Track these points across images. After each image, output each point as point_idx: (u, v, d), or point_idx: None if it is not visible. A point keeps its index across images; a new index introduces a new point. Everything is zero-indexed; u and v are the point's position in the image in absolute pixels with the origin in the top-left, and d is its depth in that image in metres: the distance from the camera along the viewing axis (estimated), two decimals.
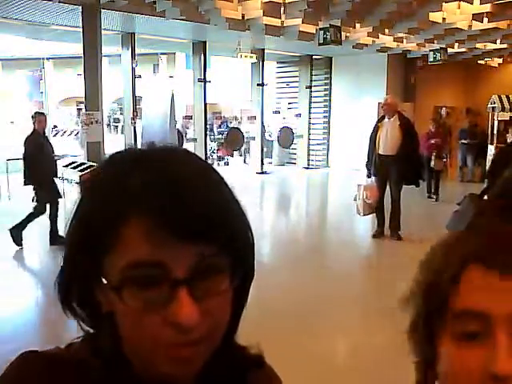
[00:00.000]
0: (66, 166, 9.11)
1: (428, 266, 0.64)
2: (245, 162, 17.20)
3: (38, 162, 6.33)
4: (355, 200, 7.33)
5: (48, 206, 6.60)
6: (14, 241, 6.58)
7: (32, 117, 6.65)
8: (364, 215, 7.23)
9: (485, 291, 0.57)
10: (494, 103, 11.80)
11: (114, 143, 11.02)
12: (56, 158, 7.04)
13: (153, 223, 0.51)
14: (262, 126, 14.43)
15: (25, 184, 6.62)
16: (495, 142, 11.53)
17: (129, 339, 0.56)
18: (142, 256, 0.51)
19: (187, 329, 0.52)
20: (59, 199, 6.72)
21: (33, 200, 6.54)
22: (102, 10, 8.55)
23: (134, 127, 10.89)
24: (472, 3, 7.95)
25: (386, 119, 7.04)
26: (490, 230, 0.65)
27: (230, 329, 0.61)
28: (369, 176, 7.17)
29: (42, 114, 6.98)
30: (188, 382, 0.59)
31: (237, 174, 14.46)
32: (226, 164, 16.78)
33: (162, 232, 0.51)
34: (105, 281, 0.54)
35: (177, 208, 0.51)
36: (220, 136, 15.49)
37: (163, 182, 0.52)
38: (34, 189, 6.52)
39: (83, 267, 0.55)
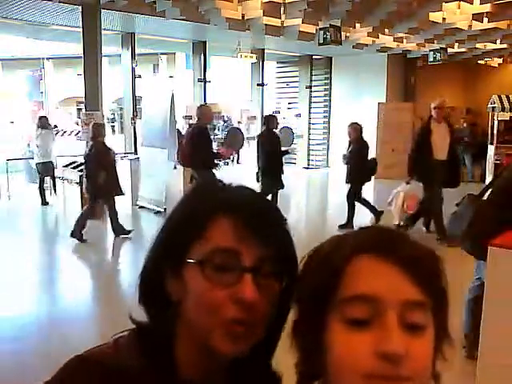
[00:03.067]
0: (66, 165, 9.13)
1: (316, 260, 0.66)
2: (238, 162, 17.15)
3: (274, 156, 7.64)
4: (390, 205, 7.13)
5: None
6: None
7: (265, 117, 8.30)
8: (400, 222, 7.00)
9: (374, 277, 0.60)
10: (494, 103, 11.79)
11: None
12: (284, 152, 8.42)
13: (234, 223, 0.69)
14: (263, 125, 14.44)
15: (264, 175, 7.74)
16: (495, 141, 11.52)
17: (195, 314, 0.70)
18: (224, 244, 0.68)
19: (249, 304, 0.67)
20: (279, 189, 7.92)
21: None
22: (102, 10, 8.54)
23: (134, 127, 10.89)
24: (472, 3, 7.94)
25: (436, 123, 6.71)
26: (368, 228, 0.68)
27: (272, 341, 0.77)
28: (408, 183, 6.93)
29: (275, 116, 8.34)
30: None
31: (237, 174, 14.46)
32: (226, 164, 16.77)
33: (240, 230, 0.68)
34: (191, 260, 0.70)
35: (253, 216, 0.70)
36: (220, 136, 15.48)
37: (243, 197, 0.74)
38: (262, 178, 7.72)
39: (175, 250, 0.72)
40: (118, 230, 7.16)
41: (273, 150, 7.76)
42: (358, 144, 7.61)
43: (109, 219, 7.13)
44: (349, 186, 7.60)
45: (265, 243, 0.69)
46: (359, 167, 7.46)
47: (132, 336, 0.76)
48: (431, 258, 0.64)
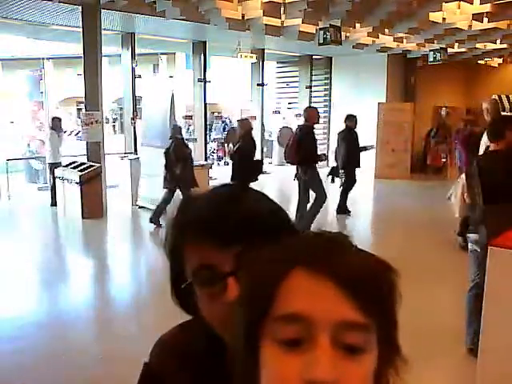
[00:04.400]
0: (66, 165, 9.13)
1: (250, 273, 0.60)
2: None
3: (352, 152, 8.48)
4: (449, 199, 6.90)
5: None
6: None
7: (345, 116, 8.87)
8: (460, 216, 6.84)
9: (308, 295, 0.54)
10: None
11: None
12: (362, 149, 8.94)
13: (201, 240, 0.73)
14: (262, 125, 14.43)
15: (343, 168, 8.50)
16: None
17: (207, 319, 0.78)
18: (201, 261, 0.74)
19: None
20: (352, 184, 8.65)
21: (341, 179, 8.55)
22: (102, 10, 8.53)
23: (134, 127, 10.89)
24: (472, 3, 7.93)
25: None
26: (313, 235, 0.62)
27: None
28: None
29: (354, 116, 8.81)
30: None
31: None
32: (226, 164, 16.78)
33: (208, 245, 0.73)
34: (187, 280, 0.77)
35: (212, 226, 0.73)
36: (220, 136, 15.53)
37: (204, 211, 0.76)
38: (343, 172, 8.48)
39: (176, 272, 0.80)
40: None
41: (351, 146, 8.45)
42: (244, 141, 7.51)
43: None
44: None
45: (232, 245, 0.73)
46: (242, 166, 7.34)
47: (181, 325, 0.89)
48: (378, 272, 0.57)
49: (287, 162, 7.64)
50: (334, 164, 8.85)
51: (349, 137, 8.60)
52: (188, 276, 0.76)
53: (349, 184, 8.59)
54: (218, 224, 0.72)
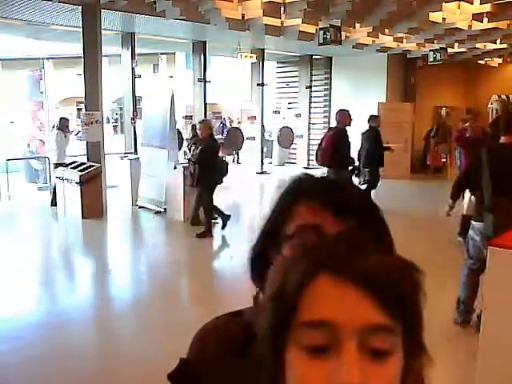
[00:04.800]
0: (66, 165, 9.13)
1: (276, 277, 0.60)
2: (238, 162, 17.09)
3: (376, 151, 8.73)
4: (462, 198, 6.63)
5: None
6: None
7: (369, 116, 9.09)
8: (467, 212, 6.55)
9: (333, 300, 0.54)
10: None
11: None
12: (386, 148, 9.24)
13: (310, 205, 0.81)
14: (262, 125, 14.42)
15: (367, 167, 8.75)
16: None
17: None
18: (306, 223, 0.80)
19: None
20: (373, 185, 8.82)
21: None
22: (102, 10, 8.54)
23: (134, 127, 10.89)
24: (472, 3, 7.94)
25: None
26: (339, 239, 0.61)
27: None
28: None
29: (377, 116, 9.38)
30: None
31: (236, 173, 14.45)
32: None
33: (316, 210, 0.80)
34: (285, 234, 0.81)
35: (325, 198, 0.81)
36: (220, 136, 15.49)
37: (319, 184, 0.87)
38: (367, 171, 8.76)
39: (274, 233, 0.85)
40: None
41: (374, 146, 8.68)
42: (206, 143, 7.29)
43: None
44: (199, 188, 7.34)
45: (339, 216, 0.79)
46: (210, 167, 7.15)
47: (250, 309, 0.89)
48: (402, 273, 0.57)
49: (319, 164, 7.71)
50: (356, 163, 8.86)
51: (373, 136, 8.84)
52: (290, 232, 0.82)
53: (373, 182, 8.81)
54: (335, 193, 0.83)
